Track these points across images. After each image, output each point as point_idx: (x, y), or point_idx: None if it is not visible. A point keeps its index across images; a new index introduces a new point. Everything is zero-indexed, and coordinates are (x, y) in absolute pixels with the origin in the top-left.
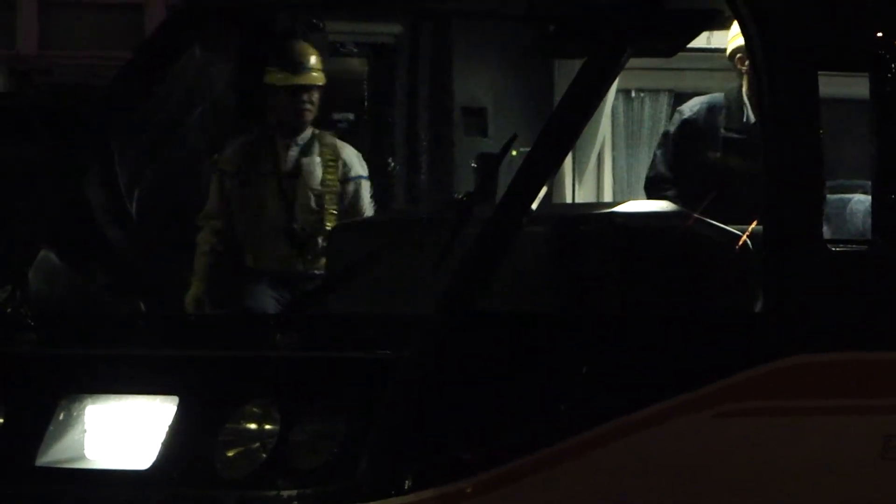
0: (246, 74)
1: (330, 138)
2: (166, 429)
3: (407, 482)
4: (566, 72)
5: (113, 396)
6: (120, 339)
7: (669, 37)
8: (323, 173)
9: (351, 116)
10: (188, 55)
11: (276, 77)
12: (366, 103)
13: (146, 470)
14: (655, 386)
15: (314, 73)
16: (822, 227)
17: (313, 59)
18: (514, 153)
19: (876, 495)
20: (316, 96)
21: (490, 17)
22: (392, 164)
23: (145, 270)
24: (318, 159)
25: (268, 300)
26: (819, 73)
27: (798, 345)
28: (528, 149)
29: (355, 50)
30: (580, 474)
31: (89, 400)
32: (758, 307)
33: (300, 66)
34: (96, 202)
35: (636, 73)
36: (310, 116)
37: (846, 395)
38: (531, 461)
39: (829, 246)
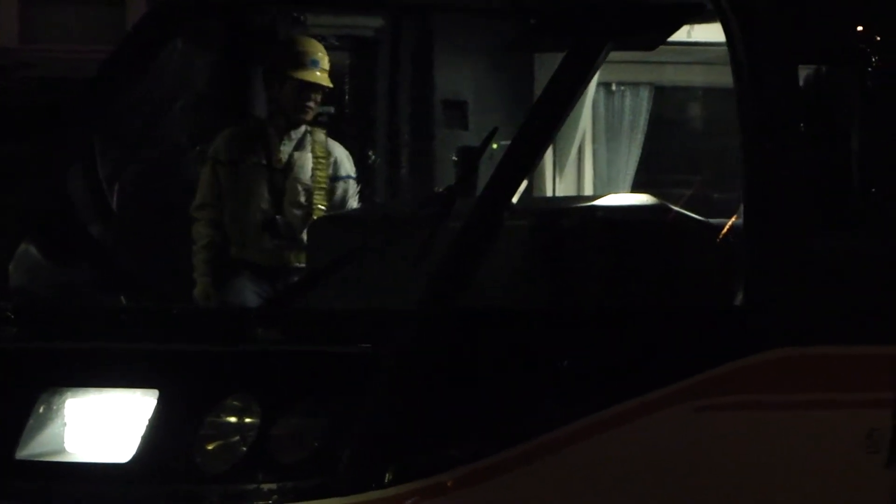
0: (234, 67)
1: (322, 136)
2: (146, 422)
3: (387, 476)
4: (547, 65)
5: (93, 390)
6: (100, 332)
7: (650, 30)
8: (314, 169)
9: (332, 109)
10: (170, 48)
11: (292, 70)
12: (346, 96)
13: (126, 463)
14: (638, 379)
15: (327, 75)
16: (804, 221)
17: (327, 62)
18: (494, 146)
19: (859, 488)
20: (320, 98)
21: (471, 10)
22: (373, 158)
23: (126, 264)
24: (309, 155)
25: (249, 293)
26: (800, 67)
27: (780, 338)
28: (508, 142)
29: (336, 43)
30: (561, 468)
31: (69, 393)
32: (740, 300)
33: (317, 64)
34: (77, 196)
35: (617, 66)
36: (311, 115)
37: (829, 389)
38: (512, 455)
39: (810, 239)
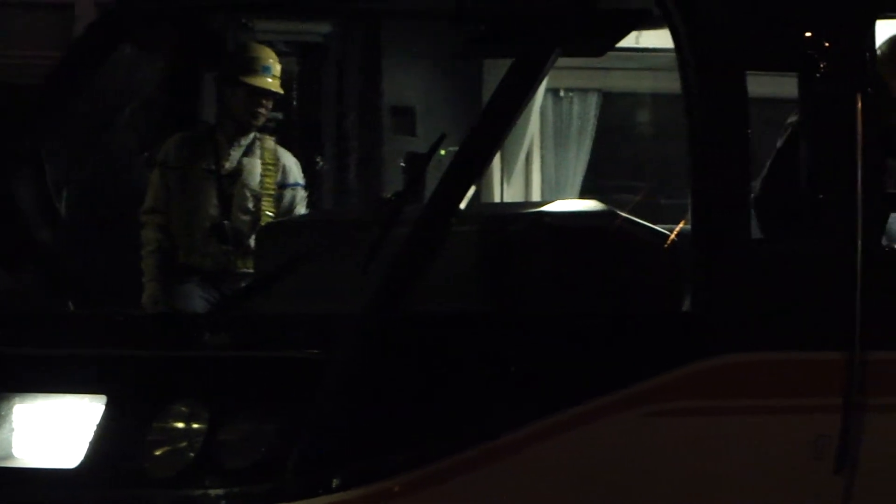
0: (183, 72)
1: (271, 143)
2: (94, 428)
3: (334, 481)
4: (495, 71)
5: (41, 395)
6: (48, 337)
7: (599, 36)
8: (262, 176)
9: (279, 115)
10: (118, 54)
11: (244, 75)
12: (294, 102)
13: (74, 469)
14: (585, 385)
15: (278, 82)
16: (750, 227)
17: (278, 68)
18: (442, 152)
19: (807, 495)
20: (271, 105)
21: (419, 16)
22: (320, 163)
23: (74, 269)
24: (258, 161)
25: (197, 298)
26: (748, 72)
27: (728, 344)
28: (456, 148)
29: (285, 49)
30: (508, 475)
31: (17, 399)
32: (687, 306)
33: (268, 71)
34: (25, 201)
35: (565, 72)
36: (261, 121)
37: (777, 395)
38: (459, 461)
39: (757, 245)
